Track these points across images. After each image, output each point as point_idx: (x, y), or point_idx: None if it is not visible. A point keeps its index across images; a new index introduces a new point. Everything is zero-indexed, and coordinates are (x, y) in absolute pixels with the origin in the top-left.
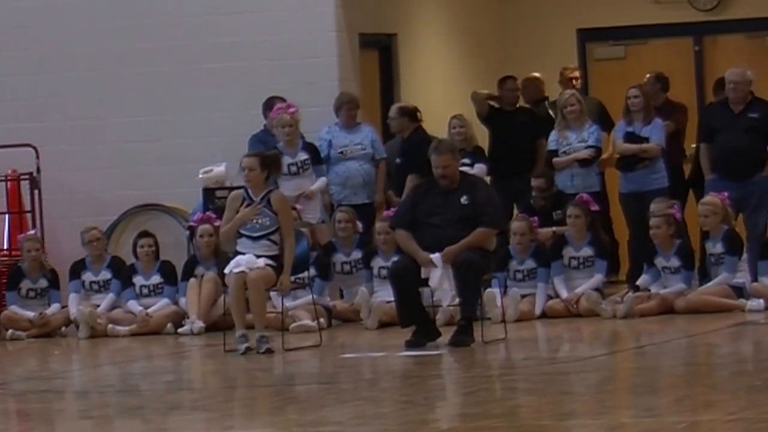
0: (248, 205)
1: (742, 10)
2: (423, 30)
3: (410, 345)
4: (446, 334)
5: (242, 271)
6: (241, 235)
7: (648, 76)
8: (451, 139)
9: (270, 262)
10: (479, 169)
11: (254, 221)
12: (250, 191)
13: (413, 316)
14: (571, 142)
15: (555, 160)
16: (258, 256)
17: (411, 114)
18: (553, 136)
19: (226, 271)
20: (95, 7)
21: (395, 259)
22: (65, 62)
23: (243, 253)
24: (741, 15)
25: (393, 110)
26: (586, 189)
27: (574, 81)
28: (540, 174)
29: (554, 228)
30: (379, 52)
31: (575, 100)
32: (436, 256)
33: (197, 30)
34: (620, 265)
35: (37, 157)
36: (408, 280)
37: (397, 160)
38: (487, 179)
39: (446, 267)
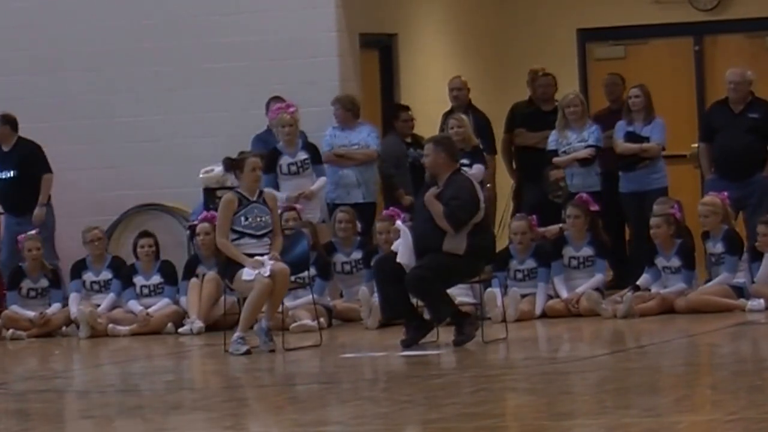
0: (245, 206)
1: (743, 10)
2: (423, 30)
3: (405, 344)
4: (447, 335)
5: (269, 275)
6: (243, 234)
7: (608, 75)
8: None
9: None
10: (477, 169)
11: (258, 219)
12: (244, 192)
13: (395, 309)
14: (571, 141)
15: (555, 159)
16: (262, 254)
17: (13, 123)
18: (553, 135)
19: (249, 277)
20: (96, 7)
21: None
22: (66, 62)
23: (250, 254)
24: (741, 15)
25: None
26: (586, 189)
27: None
28: (558, 166)
29: (560, 225)
30: (380, 52)
31: (578, 101)
32: (398, 224)
33: (198, 30)
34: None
35: None
36: (387, 272)
37: (14, 173)
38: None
39: (406, 236)
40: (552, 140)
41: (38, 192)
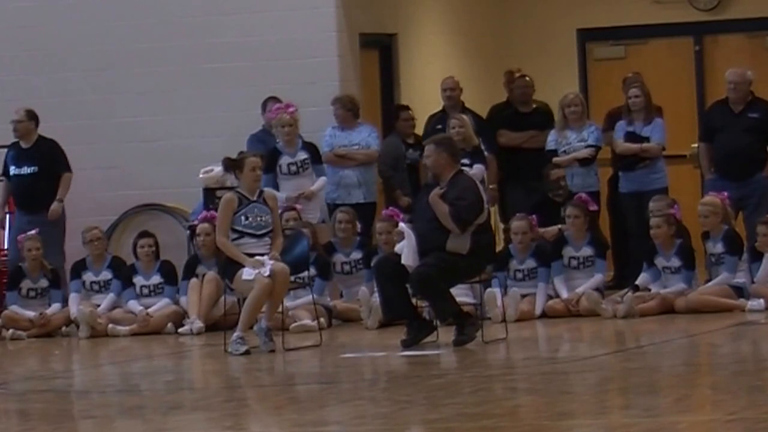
0: (245, 206)
1: (743, 9)
2: (423, 30)
3: (405, 344)
4: (447, 335)
5: (269, 276)
6: (244, 234)
7: (631, 75)
8: None
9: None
10: (478, 169)
11: (259, 219)
12: (244, 192)
13: (396, 309)
14: (570, 141)
15: (555, 159)
16: (262, 254)
17: (36, 119)
18: (551, 135)
19: (249, 276)
20: (96, 7)
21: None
22: (65, 62)
23: (250, 254)
24: (741, 15)
25: (21, 113)
26: (585, 188)
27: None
28: (558, 165)
29: (560, 225)
30: (380, 52)
31: (579, 101)
32: (402, 226)
33: (198, 30)
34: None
35: None
36: (387, 272)
37: (33, 169)
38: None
39: (410, 238)
40: (551, 140)
41: (54, 191)
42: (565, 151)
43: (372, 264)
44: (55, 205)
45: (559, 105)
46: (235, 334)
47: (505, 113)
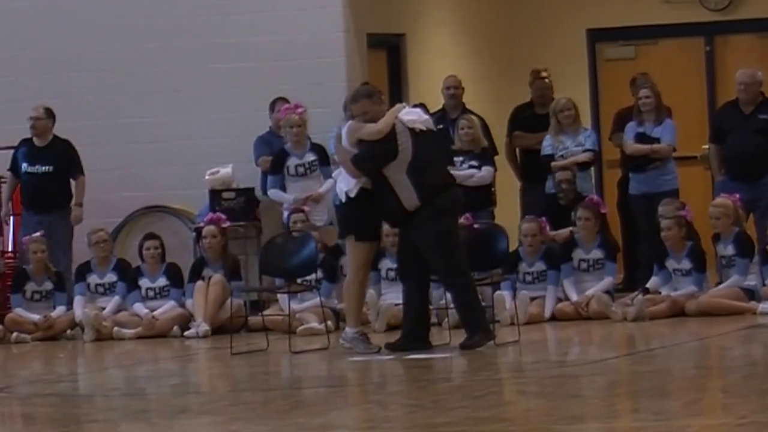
0: None
1: (754, 9)
2: (431, 30)
3: (389, 347)
4: (457, 338)
5: None
6: None
7: (639, 75)
8: (459, 140)
9: None
10: (487, 171)
11: None
12: None
13: (412, 319)
14: (567, 146)
15: (554, 164)
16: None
17: (54, 119)
18: (546, 141)
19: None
20: (100, 8)
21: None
22: (69, 63)
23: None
24: (752, 15)
25: (40, 111)
26: (583, 193)
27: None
28: (564, 167)
29: (571, 228)
30: (388, 52)
31: (571, 105)
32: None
33: (203, 30)
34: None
35: None
36: (417, 284)
37: (48, 168)
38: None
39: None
40: (546, 145)
41: (65, 192)
42: (562, 156)
43: (397, 270)
44: (77, 210)
45: (551, 111)
46: (351, 331)
47: (526, 114)
